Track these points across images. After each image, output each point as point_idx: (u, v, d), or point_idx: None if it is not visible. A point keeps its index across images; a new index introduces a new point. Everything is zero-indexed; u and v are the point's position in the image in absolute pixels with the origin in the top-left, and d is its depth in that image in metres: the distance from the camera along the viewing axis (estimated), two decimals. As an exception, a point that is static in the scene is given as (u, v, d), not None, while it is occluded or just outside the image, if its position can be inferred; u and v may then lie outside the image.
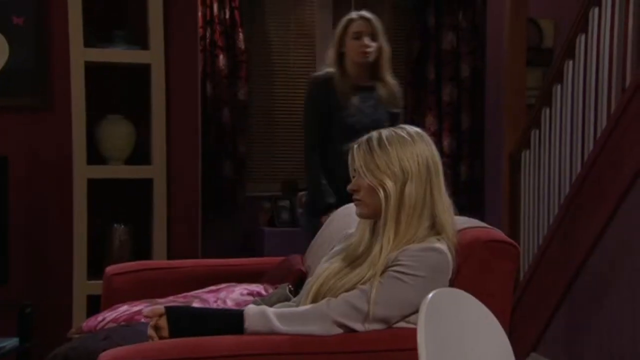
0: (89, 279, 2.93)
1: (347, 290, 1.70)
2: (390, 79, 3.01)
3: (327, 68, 2.99)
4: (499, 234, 1.79)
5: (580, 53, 3.49)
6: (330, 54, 2.98)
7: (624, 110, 3.00)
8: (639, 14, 3.09)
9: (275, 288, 2.14)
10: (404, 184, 1.73)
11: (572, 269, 3.25)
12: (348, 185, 1.82)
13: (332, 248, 1.98)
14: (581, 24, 3.47)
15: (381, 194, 1.73)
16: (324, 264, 1.89)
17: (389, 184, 1.73)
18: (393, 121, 2.96)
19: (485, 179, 4.75)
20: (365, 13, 2.98)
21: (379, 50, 2.95)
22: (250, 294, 2.14)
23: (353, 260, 1.79)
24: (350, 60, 2.95)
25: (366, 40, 2.92)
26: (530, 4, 3.94)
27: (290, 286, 2.06)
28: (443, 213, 1.74)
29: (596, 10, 3.37)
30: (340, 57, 2.96)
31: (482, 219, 2.23)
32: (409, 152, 1.74)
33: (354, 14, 2.99)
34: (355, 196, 1.80)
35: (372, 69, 2.98)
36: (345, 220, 2.22)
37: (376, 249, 1.73)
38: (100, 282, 2.43)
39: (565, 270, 3.29)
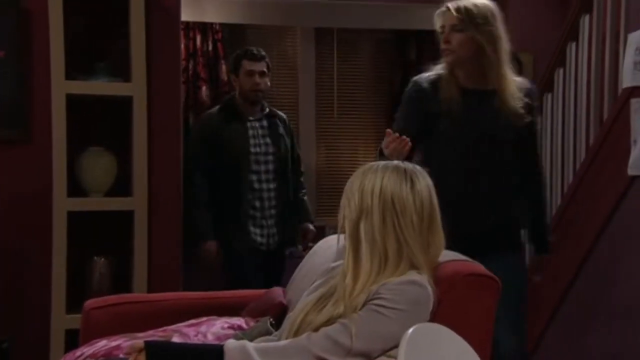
0: (68, 313, 2.89)
1: (323, 324, 1.69)
2: (506, 77, 2.34)
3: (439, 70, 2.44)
4: (479, 267, 1.79)
5: (559, 86, 3.55)
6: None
7: (602, 142, 3.04)
8: (615, 49, 3.15)
9: (257, 321, 2.12)
10: (358, 219, 1.73)
11: (555, 300, 3.26)
12: None
13: (314, 282, 1.97)
14: (559, 58, 3.53)
15: (340, 225, 1.76)
16: (305, 298, 1.88)
17: (347, 217, 1.75)
18: (526, 135, 2.40)
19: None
20: (451, 2, 2.39)
21: (473, 44, 2.33)
22: (231, 327, 2.12)
23: (332, 293, 1.79)
24: None
25: (445, 36, 2.37)
26: (509, 37, 4.00)
27: (271, 320, 2.05)
28: (419, 253, 1.72)
29: (573, 45, 3.43)
30: None
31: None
32: (371, 187, 1.73)
33: (443, 6, 2.42)
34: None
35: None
36: (327, 252, 2.22)
37: (341, 278, 1.74)
38: (79, 316, 2.39)
39: (550, 302, 3.30)
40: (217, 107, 3.56)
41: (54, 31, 2.90)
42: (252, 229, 3.39)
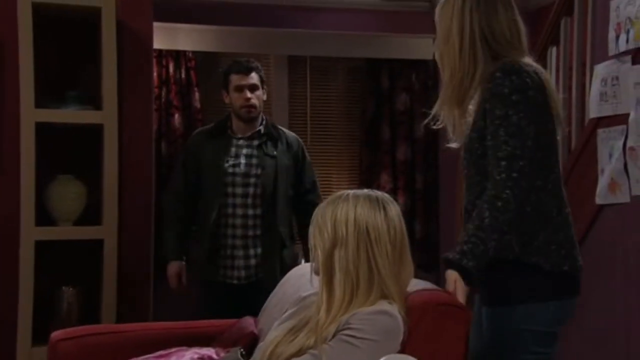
0: (34, 345, 2.83)
1: (294, 354, 1.68)
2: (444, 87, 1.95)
3: None
4: (449, 296, 1.79)
5: (528, 115, 3.59)
6: None
7: (570, 171, 3.08)
8: (582, 80, 3.22)
9: (227, 352, 2.10)
10: (332, 248, 1.72)
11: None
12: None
13: (285, 311, 1.96)
14: (528, 87, 3.57)
15: (311, 255, 1.75)
16: (275, 328, 1.87)
17: (320, 247, 1.74)
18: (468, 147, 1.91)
19: (440, 237, 4.79)
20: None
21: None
22: (202, 358, 2.10)
23: (305, 324, 1.78)
24: None
25: None
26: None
27: (242, 350, 2.03)
28: (391, 282, 1.72)
29: (542, 74, 3.48)
30: None
31: (437, 277, 2.23)
32: (345, 216, 1.73)
33: None
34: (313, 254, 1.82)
35: None
36: (299, 281, 2.21)
37: (315, 309, 1.73)
38: (46, 347, 2.35)
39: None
40: (212, 124, 3.23)
41: (23, 60, 2.88)
42: (223, 261, 3.00)
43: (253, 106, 3.05)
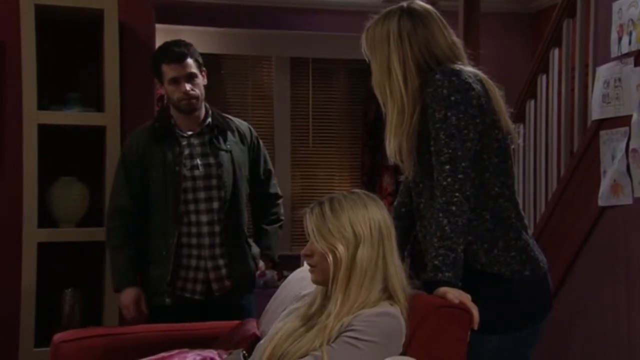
0: (36, 347, 2.84)
1: (299, 357, 1.68)
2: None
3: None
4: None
5: (530, 117, 3.61)
6: None
7: (573, 173, 3.08)
8: (584, 82, 3.22)
9: (229, 354, 2.10)
10: (356, 248, 1.72)
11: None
12: (302, 250, 1.82)
13: (285, 309, 1.96)
14: (530, 89, 3.59)
15: (330, 259, 1.73)
16: (276, 324, 1.87)
17: (340, 248, 1.72)
18: None
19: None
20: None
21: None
22: (204, 360, 2.10)
23: (306, 323, 1.78)
24: None
25: None
26: (479, 68, 4.07)
27: (244, 352, 2.03)
28: (395, 276, 1.74)
29: (544, 77, 3.49)
30: None
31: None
32: (361, 215, 1.74)
33: None
34: (308, 261, 1.80)
35: None
36: (300, 283, 2.21)
37: (326, 314, 1.73)
38: (48, 349, 2.35)
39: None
40: (150, 122, 2.75)
41: (26, 62, 2.89)
42: (185, 273, 2.64)
43: (194, 97, 2.63)
